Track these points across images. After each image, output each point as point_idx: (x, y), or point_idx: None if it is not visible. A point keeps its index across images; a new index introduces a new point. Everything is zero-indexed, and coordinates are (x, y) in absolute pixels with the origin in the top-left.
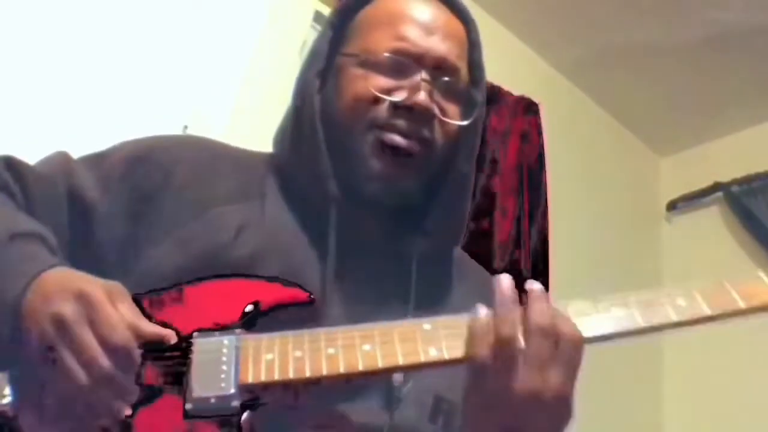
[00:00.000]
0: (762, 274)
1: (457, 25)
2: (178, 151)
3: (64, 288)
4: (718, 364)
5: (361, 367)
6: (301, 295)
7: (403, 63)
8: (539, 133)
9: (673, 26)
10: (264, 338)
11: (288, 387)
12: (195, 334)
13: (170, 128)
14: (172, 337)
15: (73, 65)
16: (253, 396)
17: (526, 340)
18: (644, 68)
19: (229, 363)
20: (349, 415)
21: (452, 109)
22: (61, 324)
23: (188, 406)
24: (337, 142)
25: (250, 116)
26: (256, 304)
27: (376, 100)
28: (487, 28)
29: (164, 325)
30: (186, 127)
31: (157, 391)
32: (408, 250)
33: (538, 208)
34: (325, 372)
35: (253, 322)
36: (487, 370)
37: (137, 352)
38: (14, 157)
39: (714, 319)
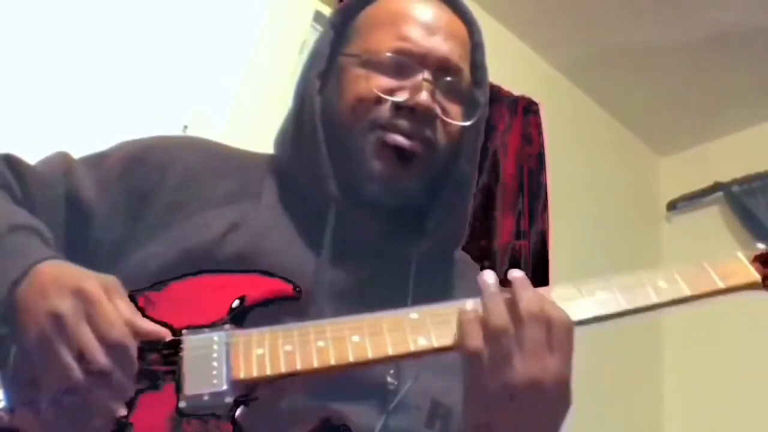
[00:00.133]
0: (740, 254)
1: (459, 26)
2: (177, 152)
3: (60, 283)
4: (718, 364)
5: (351, 359)
6: (287, 288)
7: (405, 63)
8: (539, 133)
9: (673, 26)
10: (254, 333)
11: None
12: (184, 331)
13: (170, 128)
14: (167, 335)
15: (73, 65)
16: (246, 392)
17: (518, 328)
18: (644, 68)
19: (220, 359)
20: (345, 420)
21: (454, 109)
22: (58, 320)
23: (182, 403)
24: (338, 143)
25: (250, 116)
26: (242, 299)
27: (378, 101)
28: (487, 28)
29: (158, 322)
30: (186, 127)
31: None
32: (408, 252)
33: (538, 208)
34: (316, 365)
35: (241, 317)
36: (483, 364)
37: (135, 350)
38: (15, 155)
39: (694, 299)
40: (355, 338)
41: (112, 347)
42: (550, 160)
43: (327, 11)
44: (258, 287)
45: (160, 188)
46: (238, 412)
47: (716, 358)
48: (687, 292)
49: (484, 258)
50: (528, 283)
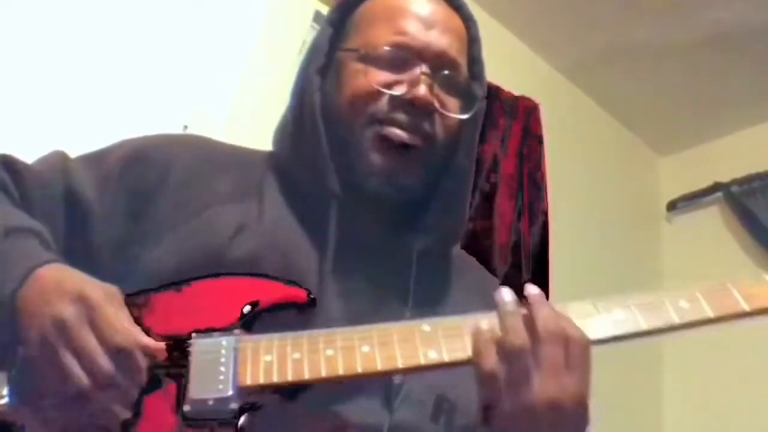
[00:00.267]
0: (766, 276)
1: (456, 21)
2: (176, 150)
3: (62, 288)
4: (719, 364)
5: (359, 369)
6: (301, 294)
7: (403, 57)
8: (539, 133)
9: (673, 26)
10: (263, 339)
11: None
12: (193, 334)
13: (170, 128)
14: (163, 353)
15: (73, 65)
16: (252, 399)
17: (535, 346)
18: (644, 68)
19: (228, 364)
20: (349, 416)
21: (452, 102)
22: (61, 326)
23: (186, 408)
24: (338, 138)
25: (250, 116)
26: (254, 304)
27: (377, 95)
28: (487, 28)
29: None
30: (186, 126)
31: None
32: (408, 247)
33: (538, 208)
34: (323, 374)
35: (252, 322)
36: (499, 384)
37: (139, 354)
38: (12, 156)
39: (717, 322)
40: (365, 348)
41: (116, 352)
42: (550, 160)
43: (327, 11)
44: (271, 292)
45: (161, 187)
46: (242, 419)
47: (716, 359)
48: (710, 313)
49: (484, 258)
50: (545, 299)
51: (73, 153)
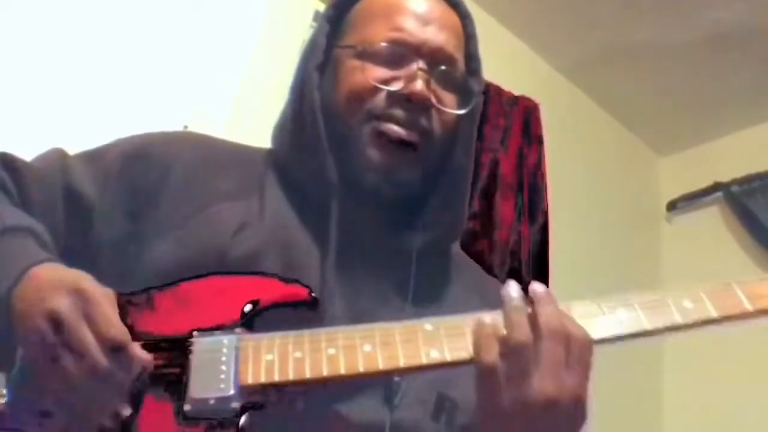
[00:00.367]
0: None
1: (453, 17)
2: (176, 148)
3: (57, 283)
4: (719, 364)
5: (361, 369)
6: (302, 292)
7: (400, 53)
8: (539, 133)
9: (673, 26)
10: (264, 338)
11: (288, 388)
12: (194, 333)
13: (170, 128)
14: (150, 366)
15: (73, 65)
16: (254, 398)
17: (537, 344)
18: (644, 68)
19: (229, 363)
20: (350, 414)
21: (449, 98)
22: (56, 320)
23: (187, 407)
24: (336, 134)
25: (250, 116)
26: (255, 302)
27: (374, 91)
28: (487, 28)
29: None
30: (186, 126)
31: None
32: (407, 245)
33: (538, 208)
34: (325, 373)
35: (253, 321)
36: (498, 379)
37: (134, 349)
38: (11, 154)
39: (720, 322)
40: (367, 348)
41: (111, 347)
42: (550, 160)
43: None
44: (272, 291)
45: (162, 185)
46: (243, 418)
47: (717, 358)
48: (713, 313)
49: (484, 258)
50: (550, 297)
51: (74, 153)
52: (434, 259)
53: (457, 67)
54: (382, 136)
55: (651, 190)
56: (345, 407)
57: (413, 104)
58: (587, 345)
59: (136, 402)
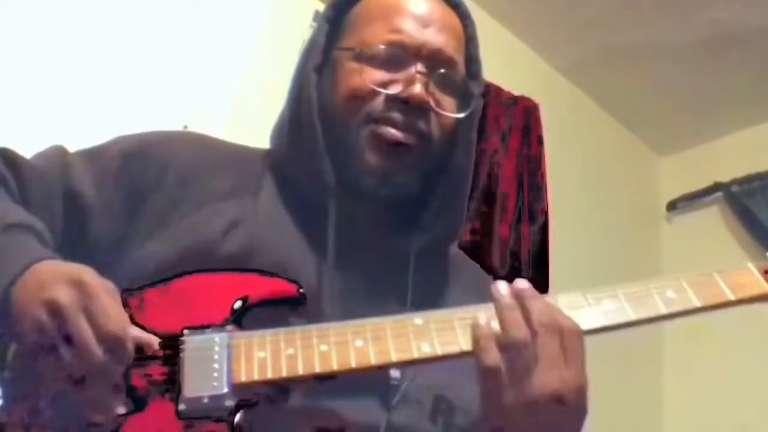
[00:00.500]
0: (751, 265)
1: (453, 19)
2: (174, 147)
3: (58, 274)
4: (719, 364)
5: (354, 364)
6: (290, 289)
7: (399, 55)
8: (539, 134)
9: (673, 26)
10: (255, 336)
11: (281, 384)
12: (186, 332)
13: (170, 128)
14: (155, 344)
15: (73, 65)
16: (247, 395)
17: (533, 340)
18: (644, 68)
19: (221, 361)
20: (347, 415)
21: (448, 101)
22: (55, 310)
23: (181, 406)
24: (334, 137)
25: (250, 116)
26: (245, 299)
27: (372, 94)
28: (487, 28)
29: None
30: (186, 126)
31: (145, 396)
32: (406, 246)
33: (538, 208)
34: (318, 369)
35: (243, 318)
36: (501, 379)
37: (131, 345)
38: (11, 150)
39: (704, 311)
40: (359, 343)
41: (109, 341)
42: (550, 160)
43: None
44: (261, 287)
45: (159, 184)
46: (237, 416)
47: (717, 356)
48: (696, 303)
49: (483, 258)
50: (536, 293)
51: (74, 150)
52: (433, 261)
53: (457, 70)
54: (379, 139)
55: (651, 190)
56: (341, 408)
57: (411, 107)
58: (579, 335)
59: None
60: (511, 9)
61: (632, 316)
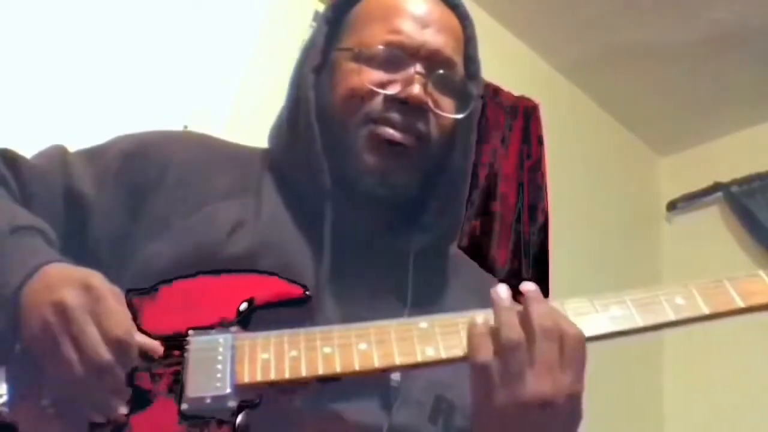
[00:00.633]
0: (762, 273)
1: (452, 20)
2: (174, 147)
3: (67, 278)
4: (719, 363)
5: (357, 367)
6: (296, 291)
7: (398, 56)
8: (539, 134)
9: (673, 26)
10: (260, 337)
11: (284, 386)
12: (190, 332)
13: (170, 127)
14: (159, 351)
15: (73, 65)
16: (250, 397)
17: (530, 343)
18: (644, 68)
19: (225, 362)
20: (347, 416)
21: (447, 102)
22: (62, 311)
23: (184, 406)
24: (333, 137)
25: (249, 116)
26: (250, 301)
27: (371, 94)
28: (487, 28)
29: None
30: (186, 126)
31: (150, 396)
32: (405, 247)
33: (538, 207)
34: (321, 371)
35: (248, 319)
36: (493, 378)
37: (136, 350)
38: (12, 150)
39: (713, 318)
40: (362, 346)
41: (115, 344)
42: (550, 160)
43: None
44: (267, 289)
45: (159, 184)
46: (240, 417)
47: (717, 355)
48: (705, 310)
49: (484, 258)
50: (541, 296)
51: (74, 150)
52: (432, 261)
53: (456, 70)
54: (378, 140)
55: (651, 190)
56: (343, 410)
57: (410, 108)
58: (581, 342)
59: (137, 403)
60: (511, 9)
61: (640, 322)
